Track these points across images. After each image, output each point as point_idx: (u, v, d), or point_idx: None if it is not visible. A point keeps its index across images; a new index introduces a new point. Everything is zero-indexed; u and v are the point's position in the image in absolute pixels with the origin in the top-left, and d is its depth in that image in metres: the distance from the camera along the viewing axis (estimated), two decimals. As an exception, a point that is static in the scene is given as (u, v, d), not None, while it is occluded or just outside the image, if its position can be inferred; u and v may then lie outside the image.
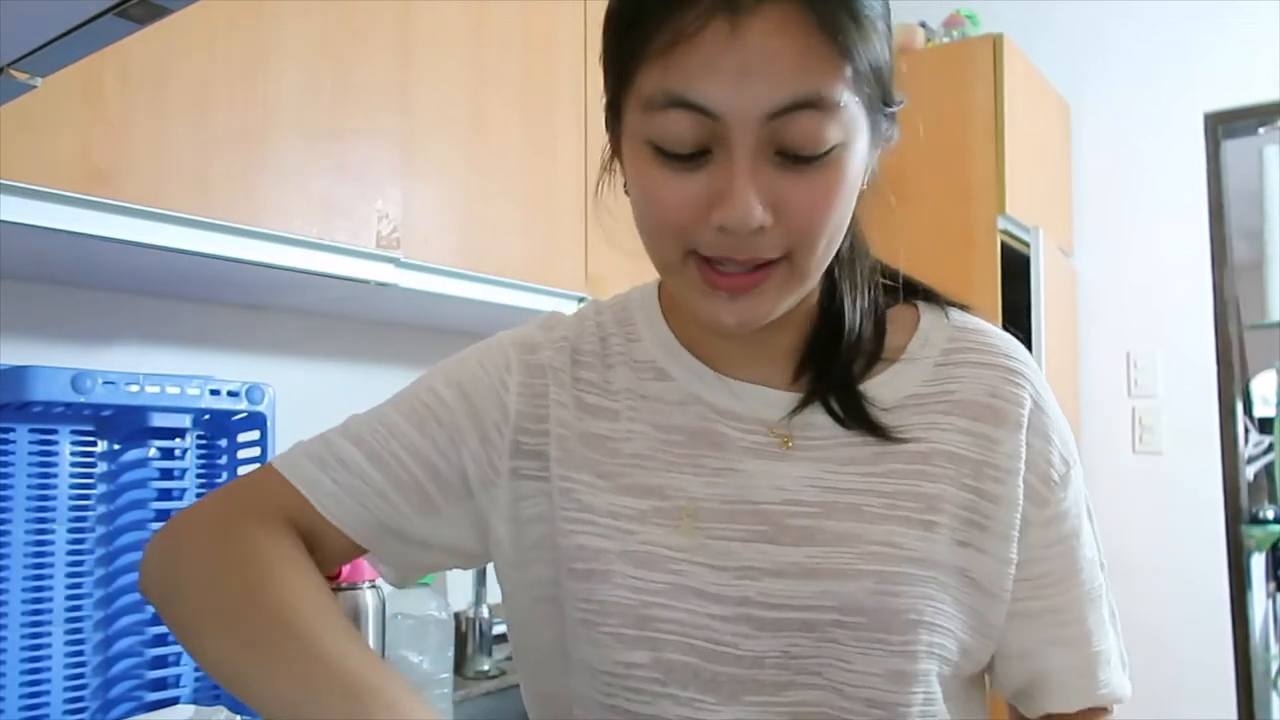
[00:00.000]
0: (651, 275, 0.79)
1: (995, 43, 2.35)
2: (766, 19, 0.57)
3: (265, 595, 0.62)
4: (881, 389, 0.71)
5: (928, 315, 0.75)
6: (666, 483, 0.69)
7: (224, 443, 1.32)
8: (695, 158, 0.60)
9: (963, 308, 0.76)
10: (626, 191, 0.70)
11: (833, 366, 0.71)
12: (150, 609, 1.18)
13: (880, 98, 0.63)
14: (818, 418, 0.70)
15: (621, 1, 0.63)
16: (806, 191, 0.61)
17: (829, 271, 0.70)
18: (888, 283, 0.75)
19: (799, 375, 0.72)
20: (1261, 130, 2.72)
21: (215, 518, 0.70)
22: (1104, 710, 0.74)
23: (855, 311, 0.72)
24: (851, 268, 0.73)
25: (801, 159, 0.60)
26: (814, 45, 0.58)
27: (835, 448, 0.69)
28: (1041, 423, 0.71)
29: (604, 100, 0.68)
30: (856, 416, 0.69)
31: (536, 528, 0.71)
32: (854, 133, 0.61)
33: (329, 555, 0.71)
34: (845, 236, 0.68)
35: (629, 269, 0.80)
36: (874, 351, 0.72)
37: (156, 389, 1.19)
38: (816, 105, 0.58)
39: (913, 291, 0.77)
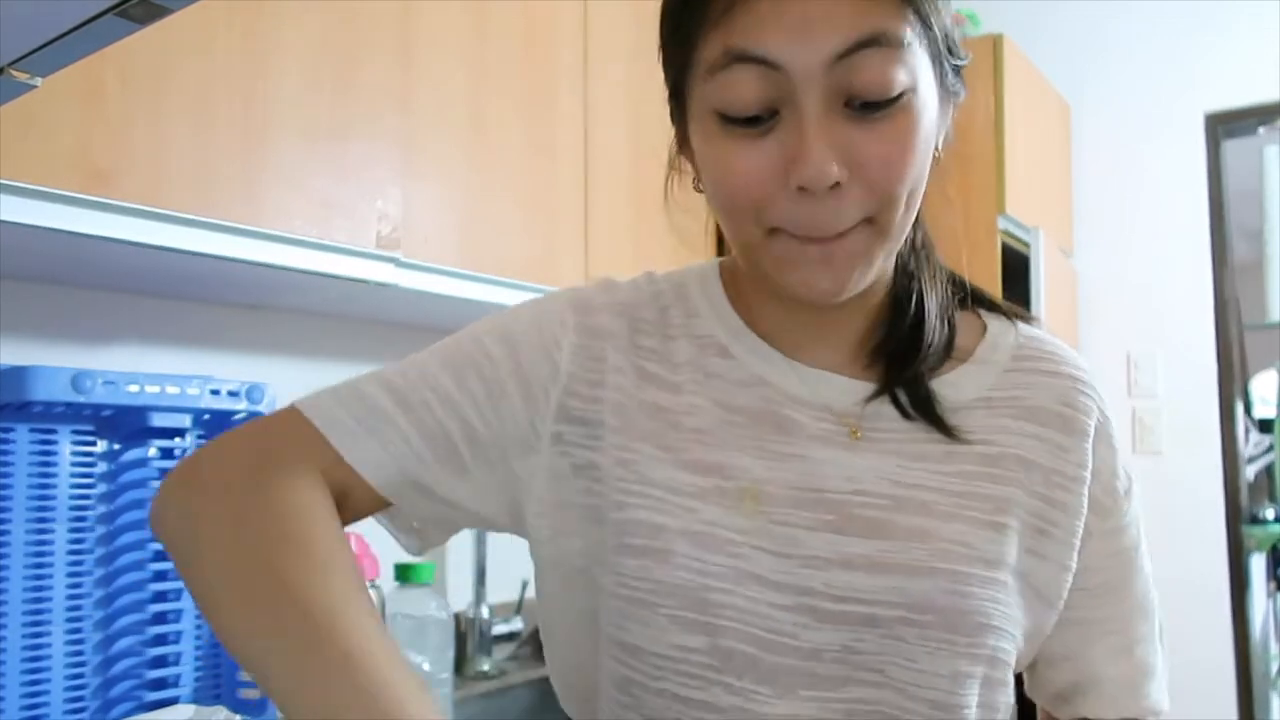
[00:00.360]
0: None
1: (995, 43, 2.35)
2: None
3: (291, 578, 0.58)
4: (952, 388, 0.70)
5: (994, 322, 0.75)
6: (729, 461, 0.66)
7: (224, 443, 1.32)
8: (763, 121, 0.60)
9: (1028, 319, 0.76)
10: (696, 188, 0.70)
11: (912, 359, 0.69)
12: (150, 609, 1.18)
13: (945, 45, 0.63)
14: (885, 409, 0.69)
15: None
16: (880, 142, 0.60)
17: (902, 260, 0.70)
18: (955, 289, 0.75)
19: (871, 364, 0.71)
20: (1261, 130, 2.72)
21: (241, 467, 0.65)
22: None
23: (933, 303, 0.71)
24: (925, 259, 0.72)
25: (871, 106, 0.59)
26: None
27: (906, 442, 0.68)
28: (1108, 433, 0.71)
29: (666, 93, 0.68)
30: (924, 411, 0.68)
31: (577, 499, 0.68)
32: (920, 77, 0.60)
33: (352, 505, 0.67)
34: (917, 228, 0.68)
35: (629, 269, 0.80)
36: (945, 350, 0.72)
37: (156, 389, 1.18)
38: (880, 43, 0.58)
39: (978, 301, 0.77)
